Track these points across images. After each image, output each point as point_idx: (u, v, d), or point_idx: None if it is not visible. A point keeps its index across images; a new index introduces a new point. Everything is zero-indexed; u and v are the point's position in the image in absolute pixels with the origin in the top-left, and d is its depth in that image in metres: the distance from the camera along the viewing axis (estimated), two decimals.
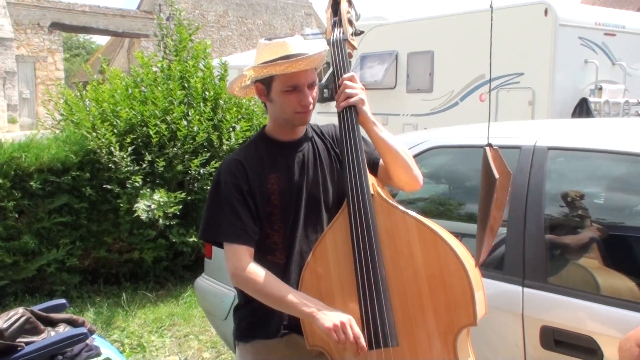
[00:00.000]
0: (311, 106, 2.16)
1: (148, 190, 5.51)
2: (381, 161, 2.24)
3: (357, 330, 1.96)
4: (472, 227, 2.86)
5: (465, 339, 2.08)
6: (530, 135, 2.81)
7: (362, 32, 2.41)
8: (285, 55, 2.08)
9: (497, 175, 1.85)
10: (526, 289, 2.47)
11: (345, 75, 2.19)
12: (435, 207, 3.57)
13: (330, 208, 2.22)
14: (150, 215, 5.38)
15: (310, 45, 2.13)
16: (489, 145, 1.93)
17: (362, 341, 1.95)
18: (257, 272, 2.07)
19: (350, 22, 2.29)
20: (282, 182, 2.19)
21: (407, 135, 3.82)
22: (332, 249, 2.12)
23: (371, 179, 2.14)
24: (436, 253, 2.00)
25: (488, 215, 1.86)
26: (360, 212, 2.05)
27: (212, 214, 2.19)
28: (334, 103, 2.24)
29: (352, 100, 2.14)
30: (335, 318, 1.95)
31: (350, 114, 2.16)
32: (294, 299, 2.03)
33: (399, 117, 9.76)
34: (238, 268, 2.09)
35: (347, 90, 2.16)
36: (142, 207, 5.38)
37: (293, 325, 2.16)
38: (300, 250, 2.18)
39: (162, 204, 5.41)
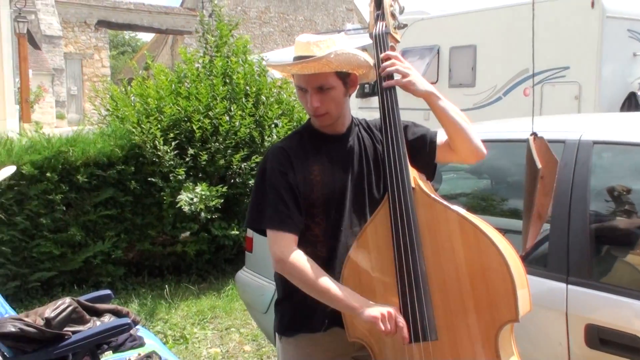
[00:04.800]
0: (320, 111, 2.14)
1: (191, 183, 5.59)
2: (439, 138, 2.21)
3: (402, 320, 1.96)
4: (515, 223, 2.83)
5: (509, 335, 2.05)
6: (575, 129, 2.75)
7: (405, 26, 2.39)
8: (296, 56, 2.11)
9: (539, 165, 1.83)
10: (570, 287, 2.43)
11: (389, 53, 2.14)
12: (477, 203, 3.53)
13: (375, 203, 2.19)
14: (192, 208, 5.45)
15: (342, 46, 2.09)
16: (533, 134, 1.91)
17: (405, 331, 1.95)
18: (303, 260, 2.07)
19: (393, 15, 2.27)
20: (325, 175, 2.18)
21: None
22: (373, 243, 2.11)
23: (412, 173, 2.13)
24: (478, 248, 1.97)
25: (533, 203, 1.84)
26: (400, 205, 2.03)
27: (258, 201, 2.19)
28: (376, 98, 2.22)
29: (400, 81, 2.09)
30: (381, 309, 1.96)
31: (392, 100, 2.14)
32: (339, 293, 2.03)
33: None
34: (284, 254, 2.08)
35: (397, 68, 2.10)
36: (184, 199, 5.46)
37: (335, 318, 2.16)
38: (346, 243, 2.17)
39: (203, 197, 5.47)
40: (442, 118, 2.14)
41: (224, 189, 5.67)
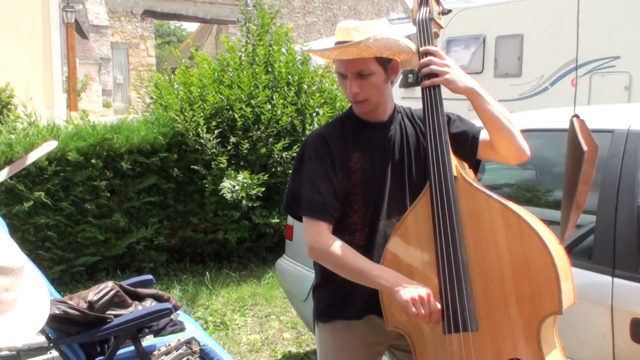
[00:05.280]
0: (359, 97, 2.11)
1: (233, 171, 5.62)
2: (482, 135, 2.17)
3: (434, 304, 1.93)
4: (559, 215, 2.77)
5: (551, 327, 2.00)
6: (623, 118, 2.67)
7: (449, 11, 2.35)
8: (337, 41, 2.09)
9: (585, 147, 1.77)
10: (616, 280, 2.37)
11: (428, 48, 2.10)
12: (521, 193, 3.47)
13: (416, 193, 2.15)
14: (234, 196, 5.49)
15: (383, 31, 2.07)
16: (575, 116, 1.85)
17: (437, 316, 1.93)
18: (335, 244, 2.07)
19: (437, 0, 2.23)
20: (364, 162, 2.17)
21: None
22: (414, 232, 2.09)
23: (454, 161, 2.09)
24: (521, 238, 1.93)
25: (575, 190, 1.78)
26: (441, 193, 2.00)
27: (295, 187, 2.20)
28: (419, 88, 2.18)
29: (436, 80, 2.06)
30: (414, 291, 1.93)
31: (434, 92, 2.10)
32: (373, 271, 2.03)
33: None
34: (316, 241, 2.09)
35: (432, 67, 2.06)
36: (227, 187, 5.50)
37: (373, 306, 2.15)
38: (384, 233, 2.16)
39: (245, 185, 5.50)
40: (484, 117, 2.08)
41: (265, 177, 5.69)
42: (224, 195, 5.51)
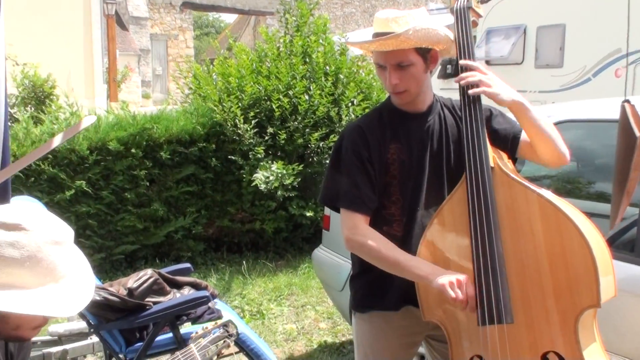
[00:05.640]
0: (398, 88, 2.09)
1: (268, 162, 5.65)
2: (523, 136, 2.15)
3: (471, 290, 1.93)
4: (601, 207, 2.72)
5: (591, 321, 1.97)
6: None
7: (488, 0, 2.31)
8: (375, 32, 2.07)
9: (638, 133, 1.73)
10: None
11: (469, 64, 2.07)
12: (562, 185, 3.41)
13: (454, 183, 2.14)
14: (268, 186, 5.52)
15: (422, 21, 2.04)
16: (627, 101, 1.80)
17: (473, 302, 1.92)
18: (371, 235, 2.08)
19: None
20: (402, 153, 2.15)
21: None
22: (450, 222, 2.08)
23: (491, 152, 2.07)
24: (558, 230, 1.90)
25: (627, 177, 1.74)
26: (478, 184, 1.99)
27: (331, 178, 2.21)
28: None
29: (483, 91, 2.02)
30: (451, 276, 1.93)
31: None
32: (409, 261, 2.03)
33: (525, 94, 9.23)
34: (352, 232, 2.10)
35: (472, 79, 2.03)
36: (260, 177, 5.53)
37: (410, 297, 2.15)
38: (422, 223, 2.15)
39: (279, 175, 5.52)
40: (528, 128, 2.07)
41: (300, 167, 5.71)
42: (258, 186, 5.54)
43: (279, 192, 5.58)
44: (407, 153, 2.16)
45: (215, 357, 1.94)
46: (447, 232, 2.08)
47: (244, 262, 5.88)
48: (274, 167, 5.57)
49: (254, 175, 5.59)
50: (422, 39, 2.03)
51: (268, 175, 5.53)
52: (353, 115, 5.95)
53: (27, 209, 1.40)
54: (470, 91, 2.04)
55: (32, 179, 5.24)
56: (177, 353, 1.91)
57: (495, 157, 2.06)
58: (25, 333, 1.48)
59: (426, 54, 2.10)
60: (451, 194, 2.10)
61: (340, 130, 5.88)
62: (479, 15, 2.19)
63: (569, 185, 3.40)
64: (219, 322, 1.99)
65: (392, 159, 2.15)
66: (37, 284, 1.35)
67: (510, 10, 9.65)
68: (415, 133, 2.18)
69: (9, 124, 3.82)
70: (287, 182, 5.57)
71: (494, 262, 1.95)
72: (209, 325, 1.97)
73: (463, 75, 2.06)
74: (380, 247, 2.05)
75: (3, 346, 1.64)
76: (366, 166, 2.12)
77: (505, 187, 2.01)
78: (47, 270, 1.36)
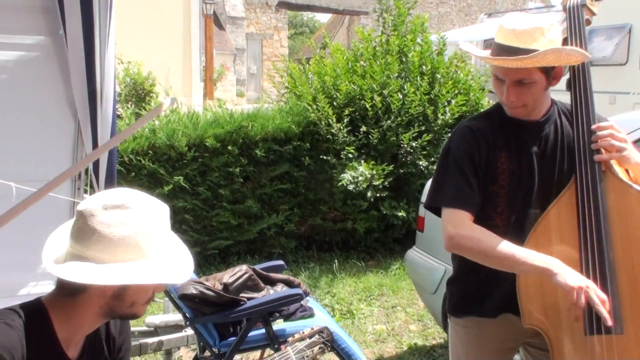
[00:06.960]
0: (515, 104, 2.00)
1: (355, 162, 5.63)
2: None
3: (603, 295, 1.81)
4: None
5: None
6: None
7: None
8: (498, 42, 1.97)
9: None
10: None
11: (602, 125, 1.99)
12: None
13: None
14: (357, 187, 5.50)
15: (553, 34, 1.94)
16: None
17: (605, 311, 1.79)
18: (478, 230, 1.97)
19: None
20: (512, 163, 2.06)
21: (632, 114, 3.47)
22: (556, 227, 1.98)
23: None
24: None
25: None
26: (587, 188, 1.89)
27: (439, 179, 2.13)
28: (563, 79, 2.05)
29: (614, 155, 1.96)
30: (580, 279, 1.81)
31: (584, 87, 1.99)
32: (525, 253, 1.90)
33: (629, 96, 8.91)
34: (456, 228, 1.98)
35: (612, 142, 1.96)
36: (347, 178, 5.52)
37: (509, 304, 2.07)
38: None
39: (368, 176, 5.49)
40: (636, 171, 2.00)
41: (390, 168, 5.66)
42: (346, 186, 5.53)
43: (370, 193, 5.55)
44: (517, 162, 2.07)
45: None
46: (552, 237, 1.99)
47: (335, 260, 5.89)
48: (361, 168, 5.55)
49: (342, 175, 5.59)
50: (551, 60, 1.92)
51: (356, 175, 5.51)
52: (449, 114, 5.85)
53: (128, 191, 1.56)
54: (597, 157, 1.96)
55: (133, 173, 5.44)
56: (275, 355, 1.91)
57: (607, 161, 1.96)
58: (140, 309, 1.60)
59: (550, 70, 1.99)
60: (558, 197, 2.01)
61: (436, 129, 5.80)
62: (593, 14, 2.09)
63: None
64: (316, 327, 1.98)
65: (501, 169, 2.06)
66: (149, 255, 1.49)
67: (613, 8, 9.21)
68: (528, 143, 2.07)
69: None
70: (377, 182, 5.53)
71: (603, 269, 1.86)
72: (306, 330, 1.98)
73: (598, 135, 1.98)
74: (490, 239, 1.93)
75: (104, 330, 1.71)
76: (476, 168, 2.05)
77: (617, 191, 1.92)
78: (154, 242, 1.50)
